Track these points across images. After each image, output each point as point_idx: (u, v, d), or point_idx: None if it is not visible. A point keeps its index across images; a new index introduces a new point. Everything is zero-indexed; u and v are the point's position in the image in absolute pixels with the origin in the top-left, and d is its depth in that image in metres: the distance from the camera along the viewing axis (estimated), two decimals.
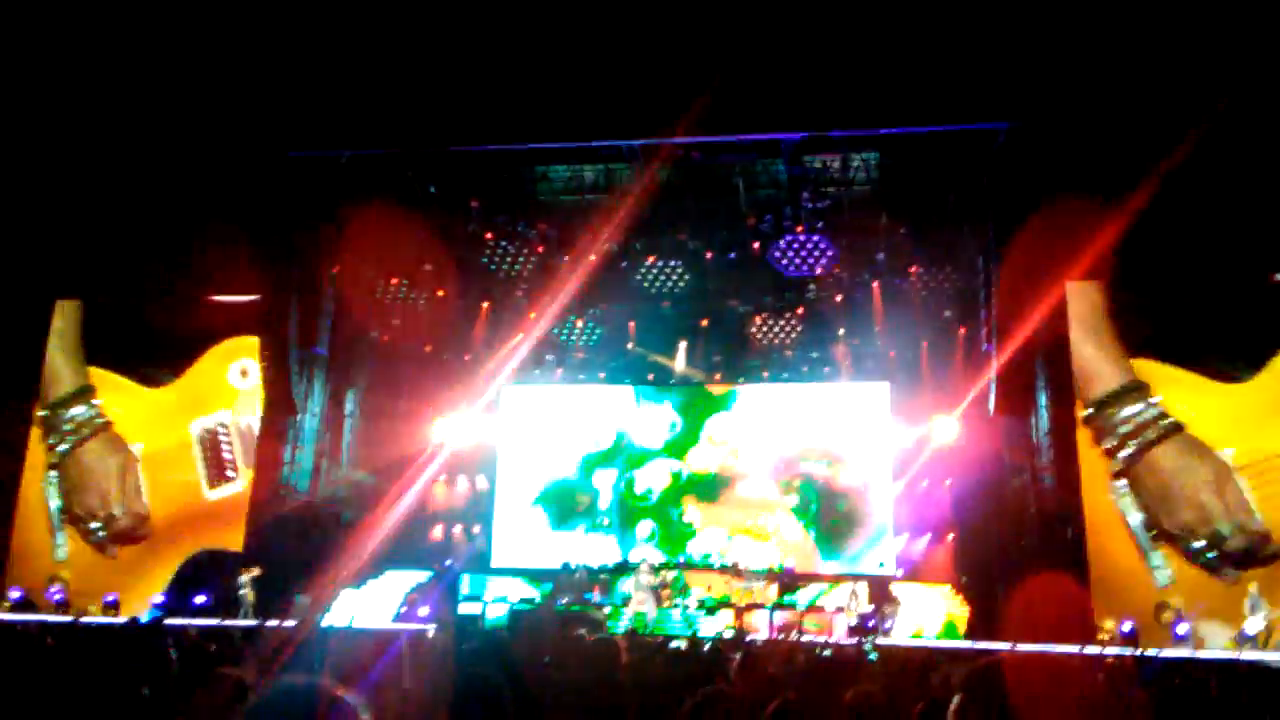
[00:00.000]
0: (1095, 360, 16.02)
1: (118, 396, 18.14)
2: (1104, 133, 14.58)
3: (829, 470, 19.87)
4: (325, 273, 18.45)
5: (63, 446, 17.92)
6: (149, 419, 18.05)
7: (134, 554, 17.46)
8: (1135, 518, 15.42)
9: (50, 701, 3.21)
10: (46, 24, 13.76)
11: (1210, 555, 14.92)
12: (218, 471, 17.82)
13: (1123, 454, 15.61)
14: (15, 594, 16.66)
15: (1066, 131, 14.84)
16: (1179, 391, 15.66)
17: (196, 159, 16.36)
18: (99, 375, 18.19)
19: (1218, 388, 15.52)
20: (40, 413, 18.06)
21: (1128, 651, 12.53)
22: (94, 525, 17.59)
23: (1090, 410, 15.85)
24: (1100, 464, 15.77)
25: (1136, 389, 15.78)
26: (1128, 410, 15.70)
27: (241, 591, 16.13)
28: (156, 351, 18.26)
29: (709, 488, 20.20)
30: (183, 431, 17.94)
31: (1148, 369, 15.84)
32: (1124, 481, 15.54)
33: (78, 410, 18.04)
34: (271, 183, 17.06)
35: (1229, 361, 15.49)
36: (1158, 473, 15.41)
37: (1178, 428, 15.48)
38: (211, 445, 17.89)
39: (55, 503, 17.80)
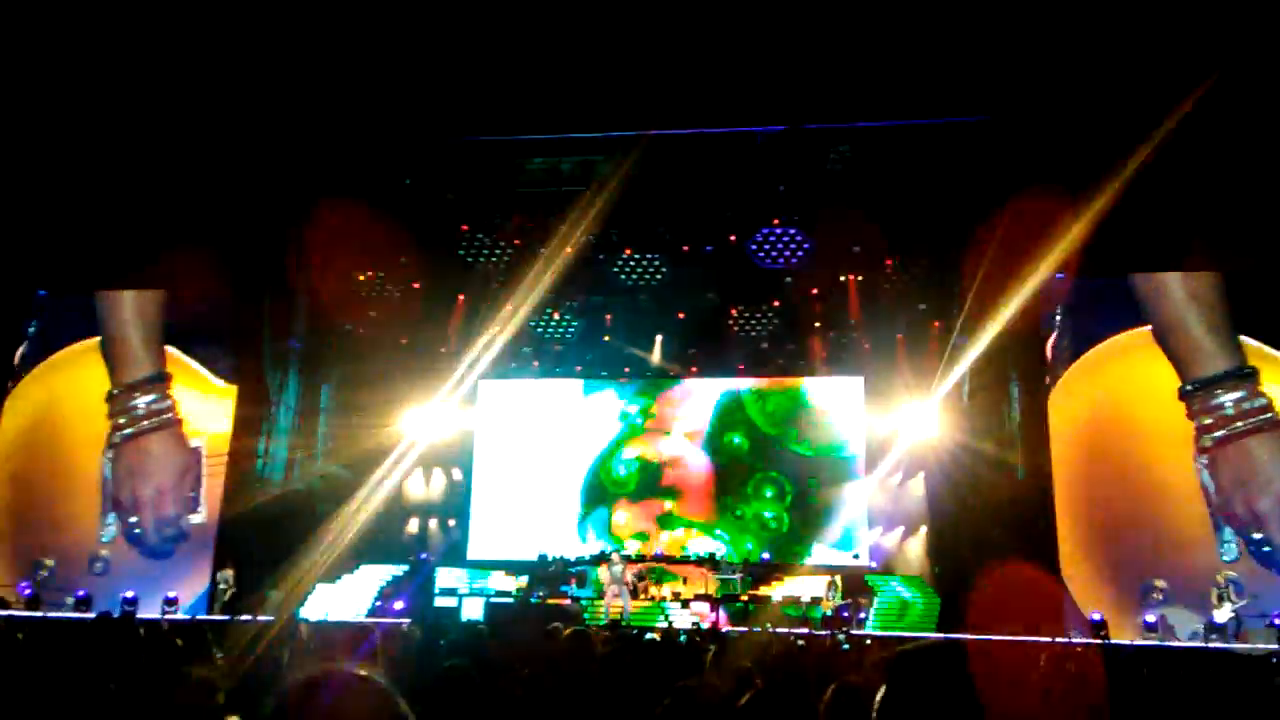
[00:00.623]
0: (1204, 340, 15.75)
1: (185, 385, 17.79)
2: (1077, 125, 14.70)
3: (803, 462, 19.95)
4: (299, 265, 18.28)
5: (126, 431, 17.44)
6: (213, 413, 17.71)
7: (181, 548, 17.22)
8: (1212, 493, 15.40)
9: (14, 696, 3.17)
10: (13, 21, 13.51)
11: (1266, 549, 15.01)
12: None
13: (1214, 434, 15.48)
14: None
15: (1040, 124, 14.94)
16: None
17: (169, 148, 16.14)
18: (172, 360, 17.82)
19: None
20: (112, 390, 17.63)
21: (1096, 641, 12.70)
22: (133, 520, 17.17)
23: (1190, 387, 15.64)
24: (1189, 430, 15.66)
25: (1246, 375, 15.55)
26: (1232, 395, 15.51)
27: (221, 587, 16.01)
28: (227, 347, 17.99)
29: (683, 478, 20.23)
30: None
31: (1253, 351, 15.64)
32: (1208, 459, 15.47)
33: (149, 398, 17.55)
34: (244, 173, 16.87)
35: None
36: (1245, 461, 15.31)
37: (1278, 423, 15.36)
38: None
39: (111, 481, 17.42)
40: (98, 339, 18.09)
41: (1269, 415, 15.38)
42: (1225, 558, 15.15)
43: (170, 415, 17.54)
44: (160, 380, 17.64)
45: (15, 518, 17.46)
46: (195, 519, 17.24)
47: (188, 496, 17.28)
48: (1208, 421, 15.55)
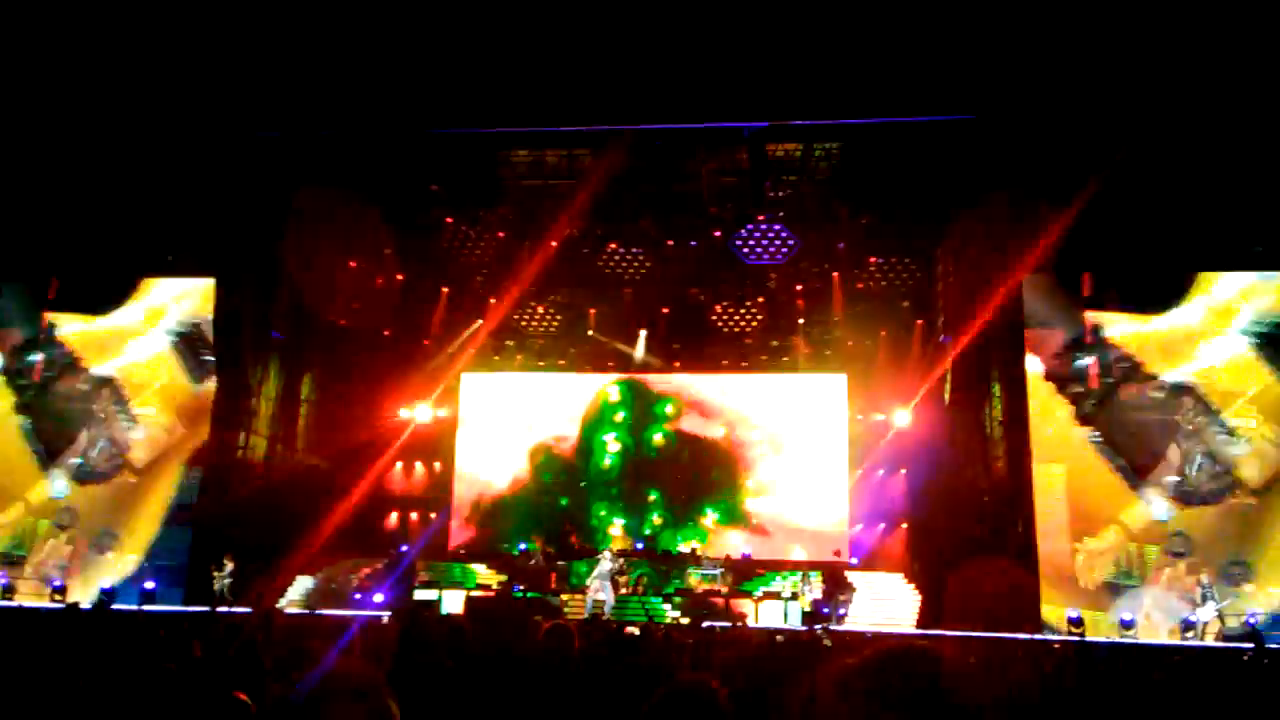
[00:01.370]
0: (1048, 317, 16.29)
1: (76, 331, 18.14)
2: (1060, 125, 14.79)
3: (785, 458, 19.96)
4: (283, 256, 18.15)
5: (29, 392, 17.91)
6: (115, 342, 18.03)
7: (139, 478, 17.49)
8: (1118, 461, 15.60)
9: None
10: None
11: (1186, 490, 15.28)
12: (199, 365, 17.82)
13: (1090, 401, 15.84)
14: None
15: (1024, 124, 15.02)
16: (1121, 330, 16.05)
17: (153, 139, 15.99)
18: (53, 317, 18.22)
19: (1151, 319, 15.99)
20: (2, 361, 18.03)
21: (1072, 639, 12.79)
22: (75, 460, 17.53)
23: (1053, 362, 16.09)
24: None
25: (1092, 332, 16.06)
26: (1090, 355, 15.97)
27: (225, 582, 15.79)
28: (92, 287, 18.23)
29: (666, 470, 20.20)
30: (155, 340, 17.99)
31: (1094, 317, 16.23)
32: (1096, 431, 15.73)
33: (40, 353, 18.03)
34: (229, 163, 16.74)
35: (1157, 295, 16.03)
36: (1126, 415, 15.73)
37: (1136, 368, 15.80)
38: (188, 343, 17.92)
39: (37, 445, 17.72)
40: None
41: (1129, 362, 15.85)
42: (1159, 517, 15.35)
43: (69, 359, 18.07)
44: (44, 333, 18.17)
45: None
46: (135, 435, 17.62)
47: (116, 417, 17.74)
48: (1079, 390, 15.94)
